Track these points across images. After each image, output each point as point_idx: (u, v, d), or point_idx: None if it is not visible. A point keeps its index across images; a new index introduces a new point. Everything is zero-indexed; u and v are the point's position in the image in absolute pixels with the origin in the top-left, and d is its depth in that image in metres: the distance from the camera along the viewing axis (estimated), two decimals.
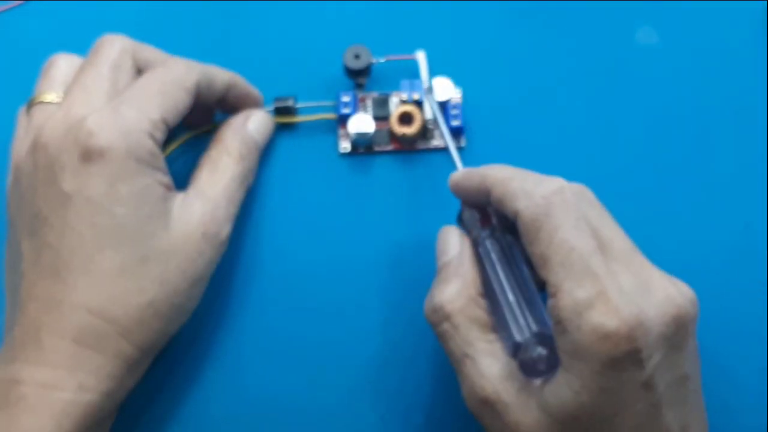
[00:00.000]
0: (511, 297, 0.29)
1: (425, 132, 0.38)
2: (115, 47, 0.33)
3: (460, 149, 0.38)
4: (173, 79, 0.33)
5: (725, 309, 0.36)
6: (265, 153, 0.39)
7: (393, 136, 0.38)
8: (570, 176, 0.38)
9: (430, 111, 0.38)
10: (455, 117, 0.38)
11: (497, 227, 0.32)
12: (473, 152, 0.39)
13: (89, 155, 0.30)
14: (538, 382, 0.28)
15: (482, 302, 0.30)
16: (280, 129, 0.39)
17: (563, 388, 0.27)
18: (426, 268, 0.34)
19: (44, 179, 0.30)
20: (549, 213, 0.28)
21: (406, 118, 0.38)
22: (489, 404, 0.29)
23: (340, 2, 0.41)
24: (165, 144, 0.37)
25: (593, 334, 0.26)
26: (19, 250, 0.31)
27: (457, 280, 0.31)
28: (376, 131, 0.38)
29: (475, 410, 0.29)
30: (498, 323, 0.30)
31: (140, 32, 0.35)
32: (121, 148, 0.30)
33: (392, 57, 0.39)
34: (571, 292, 0.27)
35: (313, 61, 0.40)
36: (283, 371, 0.35)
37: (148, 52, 0.34)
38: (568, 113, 0.39)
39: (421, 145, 0.38)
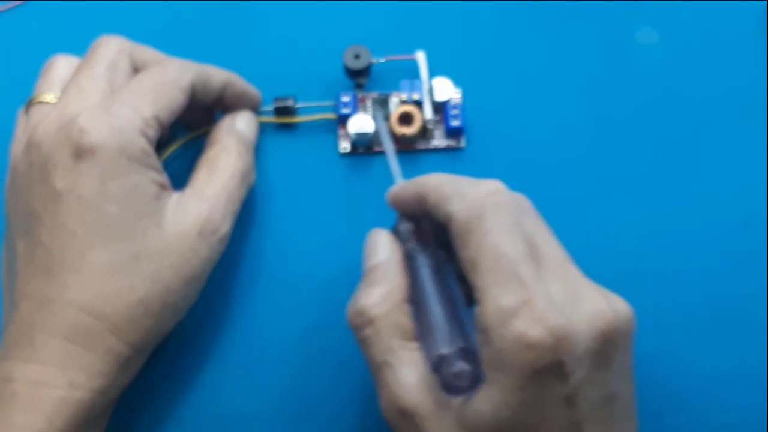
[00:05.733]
0: (439, 311, 0.28)
1: (425, 132, 0.38)
2: (111, 48, 0.33)
3: (459, 149, 0.38)
4: (167, 78, 0.33)
5: (725, 309, 0.36)
6: (266, 153, 0.39)
7: (393, 136, 0.38)
8: (570, 176, 0.38)
9: (430, 111, 0.38)
10: (455, 117, 0.38)
11: (432, 242, 0.31)
12: (473, 152, 0.39)
13: (81, 153, 0.30)
14: (458, 400, 0.27)
15: (407, 308, 0.29)
16: (280, 129, 0.39)
17: (483, 403, 0.26)
18: None
19: (38, 177, 0.30)
20: (481, 216, 0.27)
21: (406, 118, 0.38)
22: (407, 416, 0.28)
23: (340, 2, 0.41)
24: (165, 145, 0.37)
25: (516, 343, 0.25)
26: (15, 248, 0.31)
27: (383, 284, 0.30)
28: (376, 131, 0.38)
29: (393, 421, 0.28)
30: (423, 336, 0.29)
31: (140, 33, 0.35)
32: (113, 146, 0.30)
33: (392, 57, 0.39)
34: (497, 298, 0.26)
35: (313, 61, 0.40)
36: (282, 371, 0.35)
37: (145, 52, 0.34)
38: (568, 113, 0.39)
39: (421, 145, 0.38)
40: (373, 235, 0.32)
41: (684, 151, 0.38)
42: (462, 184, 0.29)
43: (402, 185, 0.32)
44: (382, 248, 0.31)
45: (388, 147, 0.36)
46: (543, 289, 0.26)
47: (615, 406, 0.27)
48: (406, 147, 0.38)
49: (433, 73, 0.39)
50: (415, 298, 0.30)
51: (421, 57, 0.39)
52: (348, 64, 0.38)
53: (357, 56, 0.38)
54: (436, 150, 0.38)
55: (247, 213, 0.37)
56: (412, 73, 0.39)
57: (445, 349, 0.27)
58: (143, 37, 0.35)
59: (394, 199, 0.32)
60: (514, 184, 0.38)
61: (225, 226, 0.33)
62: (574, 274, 0.28)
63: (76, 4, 0.42)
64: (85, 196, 0.30)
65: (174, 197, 0.32)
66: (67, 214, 0.30)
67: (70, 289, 0.29)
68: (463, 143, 0.39)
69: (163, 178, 0.32)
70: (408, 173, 0.38)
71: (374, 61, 0.38)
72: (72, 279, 0.30)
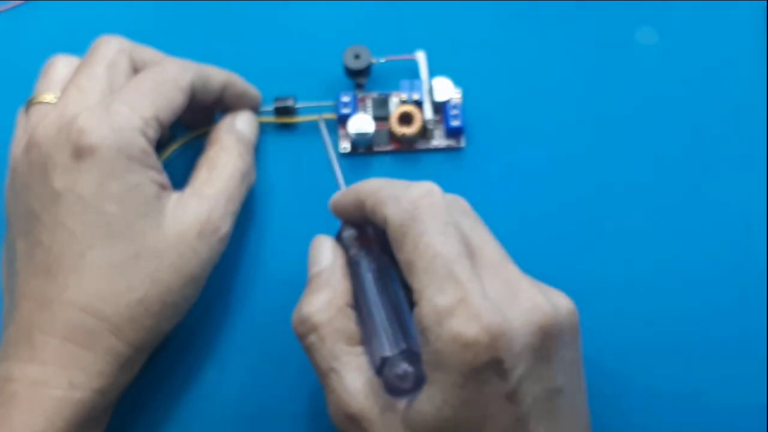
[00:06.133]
0: (382, 314, 0.29)
1: (425, 132, 0.38)
2: (111, 48, 0.33)
3: (459, 149, 0.38)
4: (167, 78, 0.33)
5: (726, 310, 0.36)
6: (265, 153, 0.39)
7: (393, 136, 0.38)
8: (569, 176, 0.38)
9: (430, 111, 0.38)
10: (455, 117, 0.38)
11: (375, 247, 0.31)
12: (473, 152, 0.38)
13: (80, 153, 0.30)
14: (402, 402, 0.27)
15: (351, 313, 0.30)
16: (280, 129, 0.39)
17: (426, 404, 0.26)
18: None
19: (37, 177, 0.30)
20: (415, 217, 0.27)
21: (406, 118, 0.38)
22: (354, 421, 0.28)
23: (340, 2, 0.41)
24: (165, 145, 0.37)
25: (453, 342, 0.25)
26: (14, 248, 0.31)
27: (326, 290, 0.30)
28: (376, 131, 0.38)
29: (341, 426, 0.29)
30: (367, 340, 0.29)
31: (140, 32, 0.35)
32: (112, 146, 0.30)
33: (392, 57, 0.39)
34: (433, 298, 0.26)
35: (313, 61, 0.40)
36: (281, 371, 0.35)
37: (145, 52, 0.34)
38: (568, 113, 0.39)
39: (421, 145, 0.38)
40: (316, 242, 0.32)
41: (683, 151, 0.38)
42: (397, 187, 0.29)
43: (341, 192, 0.33)
44: (325, 255, 0.31)
45: (332, 156, 0.36)
46: (478, 287, 0.26)
47: (561, 401, 0.27)
48: (406, 147, 0.38)
49: (433, 73, 0.39)
50: (359, 304, 0.30)
51: (421, 57, 0.39)
52: (348, 64, 0.38)
53: (357, 56, 0.38)
54: (436, 150, 0.38)
55: (247, 213, 0.37)
56: (412, 73, 0.39)
57: (387, 351, 0.27)
58: (143, 37, 0.35)
59: (335, 207, 0.33)
60: (513, 184, 0.38)
61: (225, 226, 0.33)
62: (511, 271, 0.28)
63: (76, 4, 0.42)
64: (84, 196, 0.30)
65: (174, 197, 0.32)
66: (67, 213, 0.30)
67: (70, 289, 0.29)
68: (463, 143, 0.39)
69: (163, 177, 0.32)
70: (408, 174, 0.38)
71: (374, 61, 0.38)
72: (72, 279, 0.30)
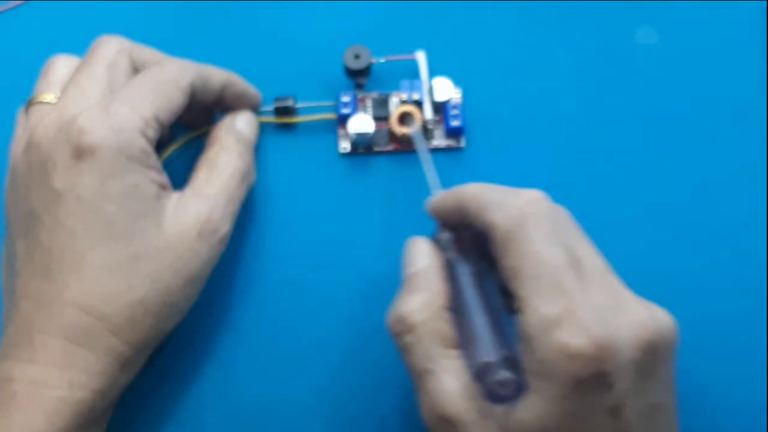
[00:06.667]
0: (481, 319, 0.28)
1: (425, 132, 0.38)
2: (111, 48, 0.33)
3: (459, 149, 0.38)
4: (167, 78, 0.33)
5: (726, 310, 0.36)
6: (265, 153, 0.39)
7: (393, 136, 0.38)
8: (570, 176, 0.38)
9: (430, 111, 0.38)
10: (455, 117, 0.38)
11: (473, 252, 0.31)
12: (473, 152, 0.38)
13: (80, 153, 0.30)
14: (501, 409, 0.27)
15: (448, 316, 0.29)
16: (280, 129, 0.39)
17: (527, 412, 0.26)
18: None
19: (37, 178, 0.30)
20: (522, 224, 0.27)
21: (406, 118, 0.38)
22: (449, 423, 0.27)
23: (340, 2, 0.41)
24: (165, 145, 0.37)
25: (559, 352, 0.25)
26: (14, 248, 0.31)
27: (423, 291, 0.30)
28: (376, 131, 0.38)
29: (435, 428, 0.28)
30: (465, 345, 0.29)
31: (140, 32, 0.35)
32: (112, 146, 0.30)
33: (392, 57, 0.39)
34: (539, 307, 0.26)
35: (313, 61, 0.40)
36: (281, 372, 0.35)
37: (145, 52, 0.34)
38: (568, 113, 0.39)
39: None
40: (413, 243, 0.32)
41: (684, 151, 0.38)
42: (501, 192, 0.29)
43: (441, 195, 0.32)
44: (422, 256, 0.31)
45: (424, 156, 0.36)
46: (585, 298, 0.26)
47: (660, 418, 0.27)
48: (406, 147, 0.38)
49: (433, 73, 0.39)
50: (455, 306, 0.30)
51: (421, 57, 0.39)
52: (348, 64, 0.38)
53: (357, 56, 0.38)
54: (436, 150, 0.38)
55: (247, 213, 0.37)
56: (412, 73, 0.39)
57: (489, 356, 0.27)
58: (143, 37, 0.35)
59: (434, 210, 0.33)
60: (513, 184, 0.38)
61: (225, 226, 0.33)
62: (615, 284, 0.28)
63: (76, 4, 0.42)
64: (84, 196, 0.30)
65: (174, 197, 0.32)
66: (67, 214, 0.30)
67: (70, 289, 0.29)
68: (463, 143, 0.39)
69: (163, 178, 0.32)
70: (408, 173, 0.38)
71: (374, 61, 0.38)
72: (72, 279, 0.30)
